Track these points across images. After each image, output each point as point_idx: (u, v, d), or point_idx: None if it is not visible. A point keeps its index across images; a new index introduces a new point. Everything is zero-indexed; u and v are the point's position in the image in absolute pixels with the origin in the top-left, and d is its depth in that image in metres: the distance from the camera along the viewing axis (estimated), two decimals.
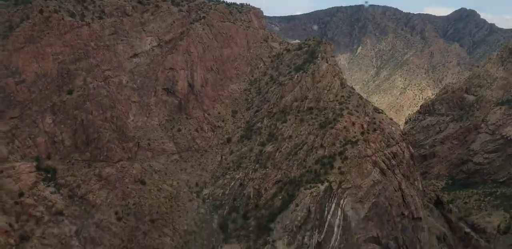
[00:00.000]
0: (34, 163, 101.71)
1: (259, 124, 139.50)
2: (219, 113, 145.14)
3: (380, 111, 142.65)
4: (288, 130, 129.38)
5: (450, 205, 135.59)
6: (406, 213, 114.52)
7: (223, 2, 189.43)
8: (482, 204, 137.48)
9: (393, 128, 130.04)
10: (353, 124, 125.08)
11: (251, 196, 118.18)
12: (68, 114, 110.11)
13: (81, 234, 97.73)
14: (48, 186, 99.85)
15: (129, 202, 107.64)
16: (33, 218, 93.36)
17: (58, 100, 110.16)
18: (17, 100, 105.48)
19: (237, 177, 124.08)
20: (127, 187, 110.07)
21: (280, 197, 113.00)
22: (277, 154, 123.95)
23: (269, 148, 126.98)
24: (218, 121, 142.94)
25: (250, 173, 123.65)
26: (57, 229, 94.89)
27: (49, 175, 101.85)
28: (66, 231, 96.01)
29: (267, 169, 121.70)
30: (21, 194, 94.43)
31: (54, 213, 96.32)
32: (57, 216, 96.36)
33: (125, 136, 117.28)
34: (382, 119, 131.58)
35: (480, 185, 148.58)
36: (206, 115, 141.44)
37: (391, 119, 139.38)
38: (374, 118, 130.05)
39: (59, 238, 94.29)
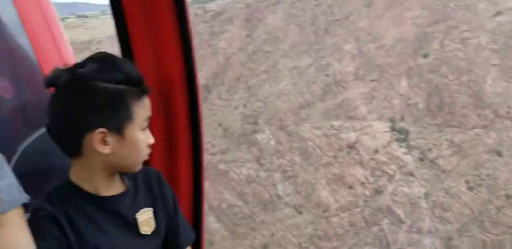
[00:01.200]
0: (389, 124, 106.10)
1: None
2: None
3: None
4: None
5: None
6: None
7: None
8: None
9: None
10: None
11: None
12: (422, 77, 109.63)
13: (430, 197, 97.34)
14: (401, 146, 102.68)
15: (481, 173, 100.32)
16: (385, 175, 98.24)
17: (414, 64, 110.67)
18: (376, 64, 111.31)
19: None
20: (481, 157, 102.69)
21: None
22: None
23: None
24: None
25: None
26: (407, 189, 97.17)
27: (401, 136, 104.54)
28: (416, 192, 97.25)
29: None
30: (376, 151, 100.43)
31: (405, 173, 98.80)
32: (408, 176, 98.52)
33: (481, 102, 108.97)
34: None
35: None
36: None
37: None
38: None
39: (408, 197, 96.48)
